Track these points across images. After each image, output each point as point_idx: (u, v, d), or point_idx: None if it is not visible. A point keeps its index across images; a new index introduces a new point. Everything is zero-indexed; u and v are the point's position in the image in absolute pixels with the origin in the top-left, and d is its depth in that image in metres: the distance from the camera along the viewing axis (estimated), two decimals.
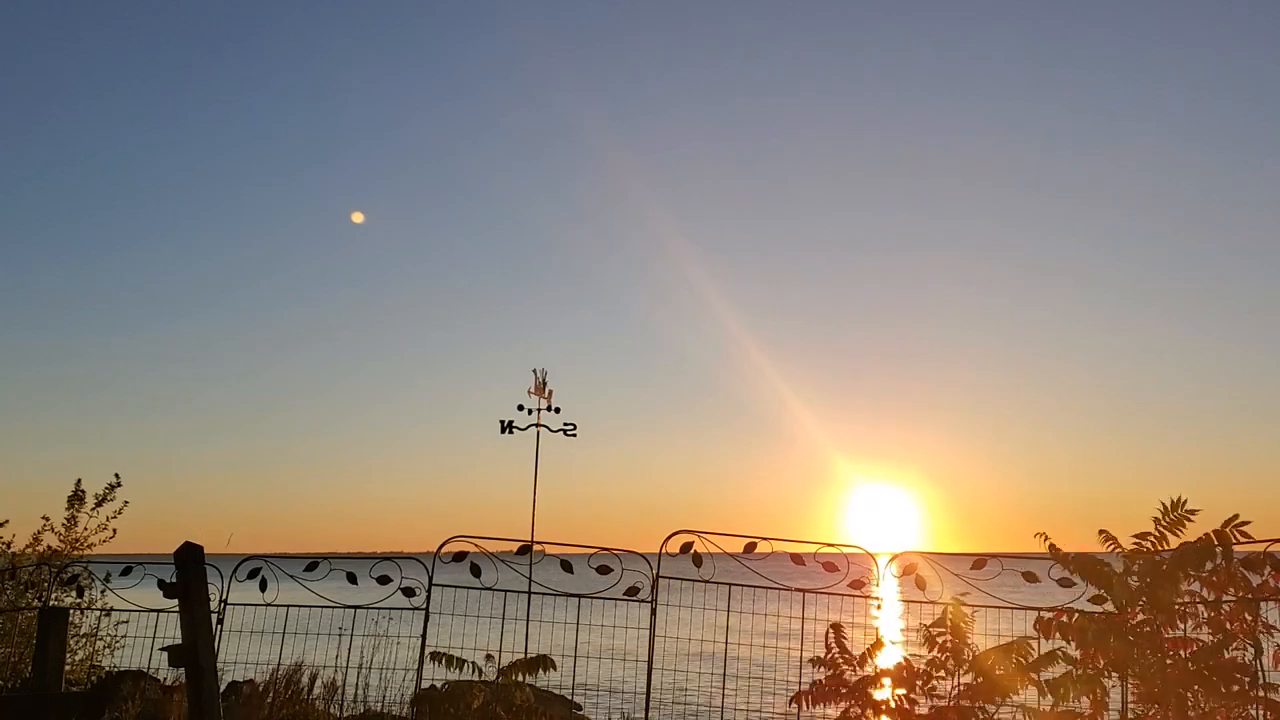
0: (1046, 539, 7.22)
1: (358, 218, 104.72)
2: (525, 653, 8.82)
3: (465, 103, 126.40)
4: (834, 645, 7.61)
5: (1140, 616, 7.00)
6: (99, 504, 12.47)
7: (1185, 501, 6.88)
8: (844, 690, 7.49)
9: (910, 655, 7.59)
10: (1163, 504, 6.92)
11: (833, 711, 7.60)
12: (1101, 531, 7.41)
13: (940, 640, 7.41)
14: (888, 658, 7.56)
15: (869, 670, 7.59)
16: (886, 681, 7.33)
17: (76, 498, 12.41)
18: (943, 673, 7.35)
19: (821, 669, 7.57)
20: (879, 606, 7.89)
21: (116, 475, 12.65)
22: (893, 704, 7.32)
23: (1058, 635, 6.95)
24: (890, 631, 7.79)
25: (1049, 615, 7.28)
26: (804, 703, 7.49)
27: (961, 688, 7.21)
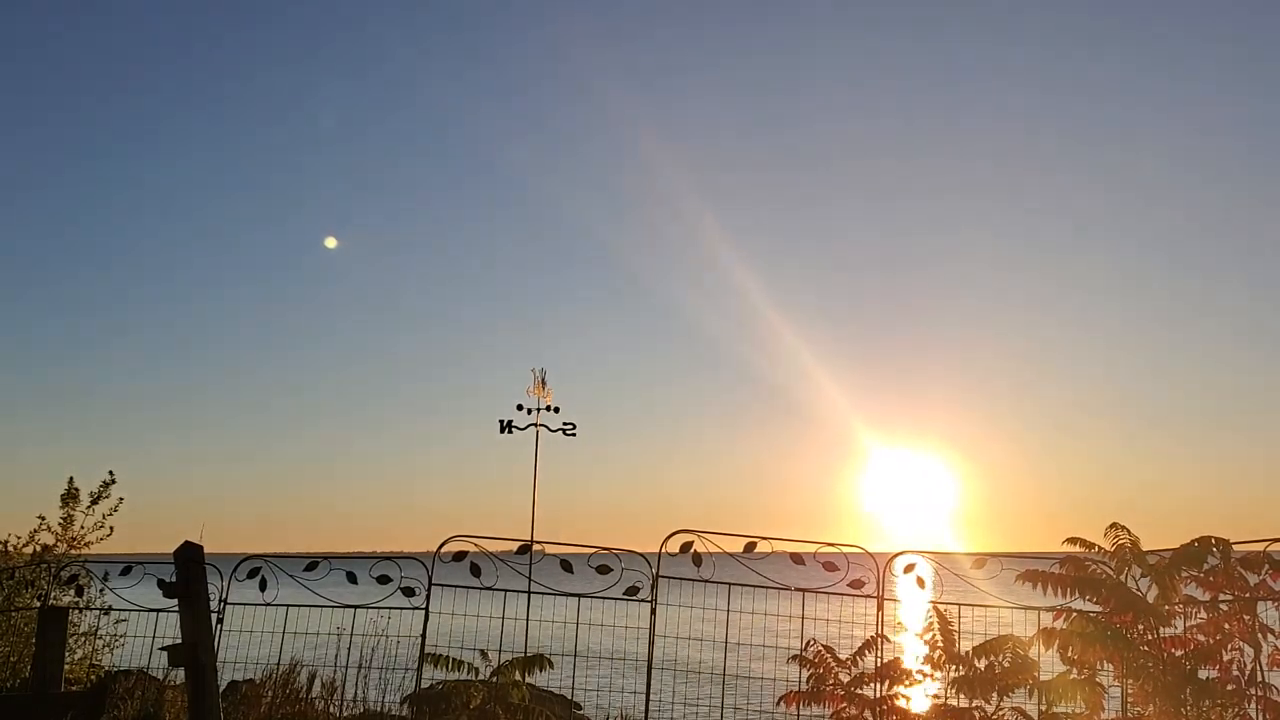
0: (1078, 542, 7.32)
1: (330, 243, 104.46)
2: (525, 652, 8.84)
3: (467, 94, 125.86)
4: (819, 650, 7.65)
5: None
6: (94, 502, 12.45)
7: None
8: (838, 691, 7.53)
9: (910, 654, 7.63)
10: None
11: (829, 711, 7.64)
12: (1072, 539, 7.49)
13: (929, 639, 7.45)
14: (881, 657, 7.60)
15: (862, 669, 7.63)
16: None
17: (71, 496, 12.39)
18: (930, 665, 7.39)
19: (808, 669, 7.61)
20: (880, 609, 7.90)
21: (111, 473, 12.63)
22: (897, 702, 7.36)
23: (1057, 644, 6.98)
24: (891, 631, 7.81)
25: (1049, 614, 7.31)
26: (797, 704, 7.53)
27: (954, 683, 7.25)
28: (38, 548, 12.06)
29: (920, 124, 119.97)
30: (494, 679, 8.55)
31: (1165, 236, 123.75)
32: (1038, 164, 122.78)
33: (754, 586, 8.02)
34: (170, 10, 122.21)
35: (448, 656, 8.42)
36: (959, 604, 7.61)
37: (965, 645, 7.44)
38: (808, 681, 7.61)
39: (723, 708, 8.25)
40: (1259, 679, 6.87)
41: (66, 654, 9.70)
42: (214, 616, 7.31)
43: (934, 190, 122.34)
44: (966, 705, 7.23)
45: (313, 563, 8.75)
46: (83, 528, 12.36)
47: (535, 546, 8.77)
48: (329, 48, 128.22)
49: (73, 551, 12.08)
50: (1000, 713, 7.17)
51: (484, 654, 8.62)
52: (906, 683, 7.49)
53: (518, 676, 8.56)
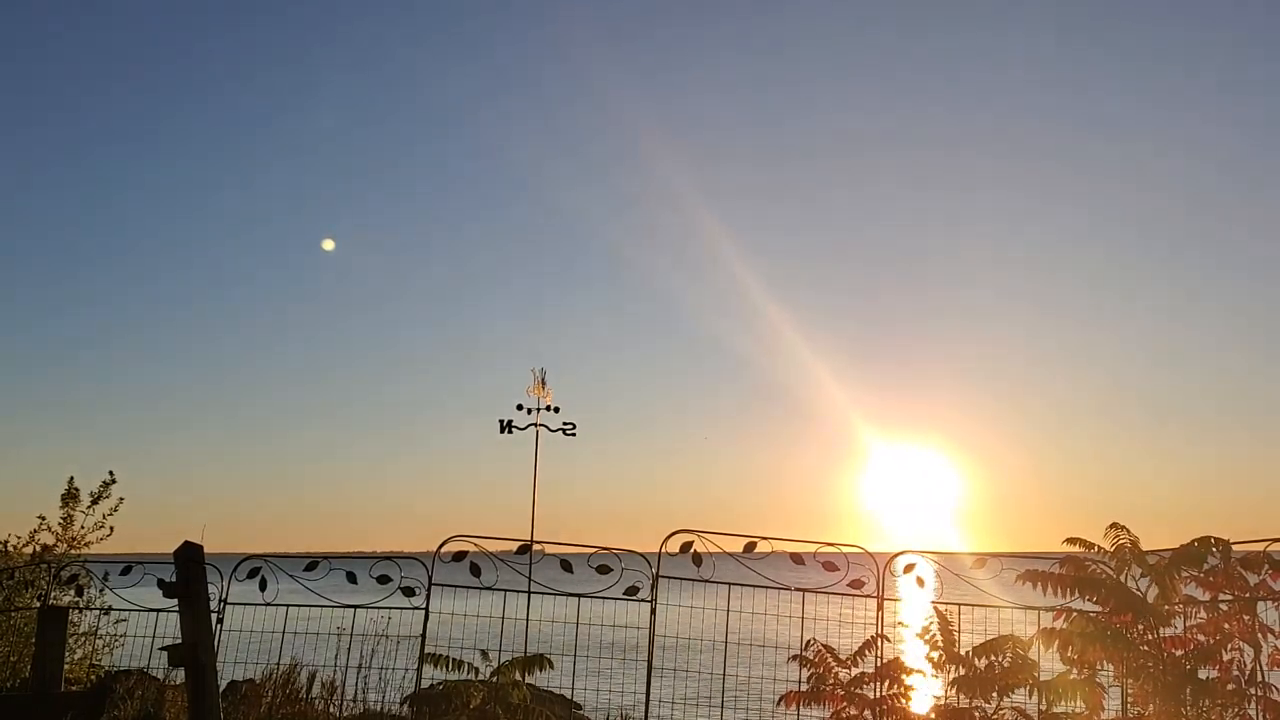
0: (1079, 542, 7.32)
1: (328, 245, 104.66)
2: (525, 652, 8.84)
3: (467, 93, 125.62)
4: (819, 649, 7.65)
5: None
6: (95, 502, 12.46)
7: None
8: (838, 691, 7.53)
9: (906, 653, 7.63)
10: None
11: (829, 711, 7.64)
12: (1072, 539, 7.49)
13: (930, 639, 7.45)
14: (881, 657, 7.60)
15: (862, 669, 7.62)
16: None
17: (71, 496, 12.40)
18: (930, 665, 7.39)
19: (808, 669, 7.61)
20: (880, 609, 7.90)
21: (111, 473, 12.65)
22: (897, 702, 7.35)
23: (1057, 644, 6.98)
24: (892, 631, 7.81)
25: (1049, 614, 7.31)
26: (797, 704, 7.53)
27: (954, 683, 7.25)
28: (38, 548, 12.06)
29: (922, 120, 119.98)
30: (494, 679, 8.55)
31: (1168, 235, 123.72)
32: (1041, 161, 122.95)
33: (754, 586, 8.02)
34: (170, 10, 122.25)
35: (448, 656, 8.42)
36: (959, 604, 7.61)
37: (965, 645, 7.44)
38: (808, 681, 7.61)
39: (723, 708, 8.25)
40: (1259, 679, 6.87)
41: (66, 654, 9.71)
42: (214, 616, 7.32)
43: (936, 186, 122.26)
44: (966, 705, 7.23)
45: (313, 563, 8.76)
46: (83, 528, 12.37)
47: (535, 546, 8.77)
48: (329, 47, 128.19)
49: (73, 551, 12.09)
50: (1000, 712, 7.17)
51: (484, 654, 8.63)
52: (906, 683, 7.49)
53: (518, 676, 8.57)
